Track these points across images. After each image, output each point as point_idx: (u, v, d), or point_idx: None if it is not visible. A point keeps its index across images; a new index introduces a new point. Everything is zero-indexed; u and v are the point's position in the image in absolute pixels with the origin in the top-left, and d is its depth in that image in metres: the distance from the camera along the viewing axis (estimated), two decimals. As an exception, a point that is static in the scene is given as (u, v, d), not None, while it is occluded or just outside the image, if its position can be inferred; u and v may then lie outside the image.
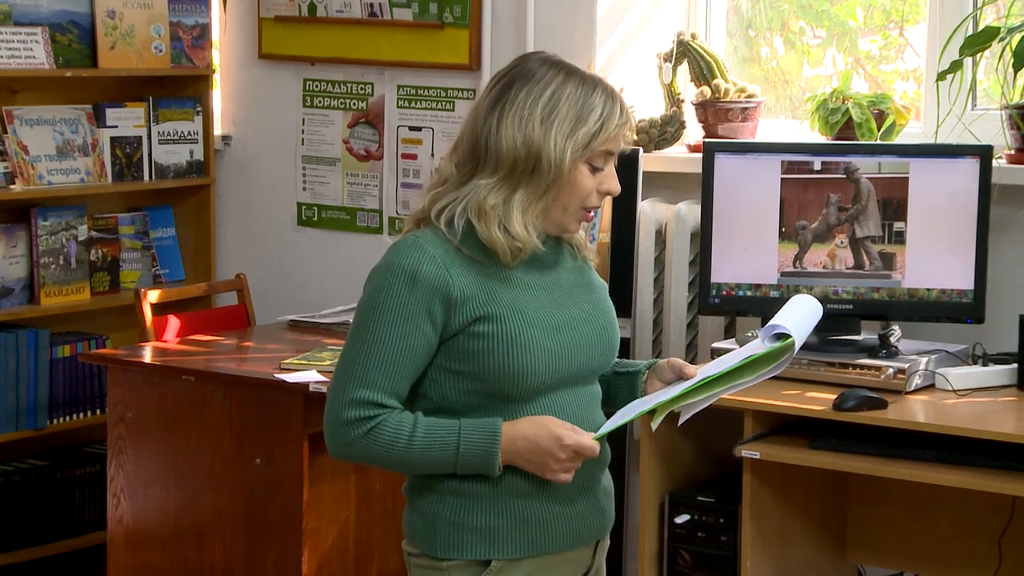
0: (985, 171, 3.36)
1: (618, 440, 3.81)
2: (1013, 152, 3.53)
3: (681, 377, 2.39)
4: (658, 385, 2.42)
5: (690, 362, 3.12)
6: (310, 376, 3.54)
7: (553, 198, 2.31)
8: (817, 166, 3.46)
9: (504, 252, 2.29)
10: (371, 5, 4.44)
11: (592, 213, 2.37)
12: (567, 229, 2.37)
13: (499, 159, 2.30)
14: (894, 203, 3.42)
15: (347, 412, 2.27)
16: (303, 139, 4.65)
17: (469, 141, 2.34)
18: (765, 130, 4.03)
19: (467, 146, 2.34)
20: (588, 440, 2.28)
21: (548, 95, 2.29)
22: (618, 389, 2.48)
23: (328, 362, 3.64)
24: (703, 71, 3.97)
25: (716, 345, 3.45)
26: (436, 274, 2.27)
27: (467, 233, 2.31)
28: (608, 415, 2.40)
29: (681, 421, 2.39)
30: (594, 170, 2.33)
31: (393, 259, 2.30)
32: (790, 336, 2.28)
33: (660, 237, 3.90)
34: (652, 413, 2.35)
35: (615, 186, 2.36)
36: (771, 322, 2.31)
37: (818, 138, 3.80)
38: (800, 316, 2.35)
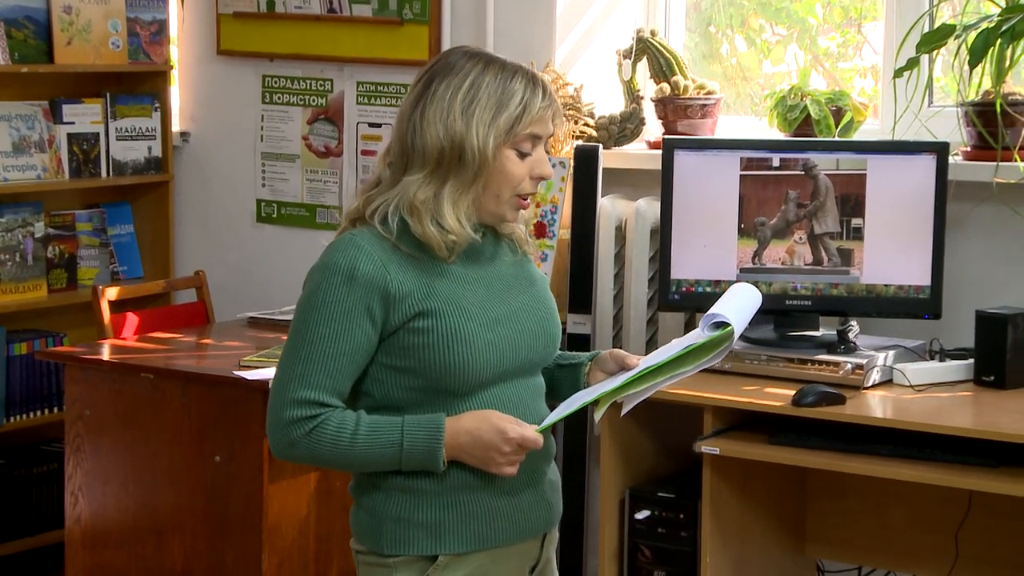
0: (942, 168, 3.38)
1: (578, 436, 3.81)
2: (969, 149, 3.56)
3: (623, 368, 2.40)
4: (601, 376, 2.43)
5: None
6: (270, 373, 3.52)
7: (483, 187, 2.31)
8: (776, 163, 3.47)
9: (439, 246, 2.30)
10: (330, 1, 4.42)
11: (527, 200, 2.37)
12: (504, 218, 2.37)
13: (425, 154, 2.30)
14: (852, 199, 3.44)
15: (289, 412, 2.27)
16: (262, 135, 4.63)
17: (398, 141, 2.35)
18: (724, 127, 4.04)
19: (397, 146, 2.35)
20: (531, 432, 2.28)
21: (467, 85, 2.30)
22: (561, 381, 2.48)
23: (288, 359, 3.63)
24: (662, 68, 3.98)
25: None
26: (374, 271, 2.27)
27: (402, 230, 2.31)
28: (552, 407, 2.40)
29: (624, 411, 2.40)
30: (522, 155, 2.33)
31: (330, 258, 2.30)
32: (729, 325, 2.29)
33: (620, 233, 3.91)
34: (595, 404, 2.36)
35: (547, 170, 2.36)
36: (710, 311, 2.32)
37: (777, 135, 3.81)
38: (739, 305, 2.36)
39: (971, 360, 3.32)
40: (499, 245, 2.42)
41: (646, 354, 2.44)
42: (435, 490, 2.31)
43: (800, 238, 3.47)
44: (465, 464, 2.30)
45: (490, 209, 2.34)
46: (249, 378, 3.51)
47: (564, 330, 3.13)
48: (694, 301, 3.52)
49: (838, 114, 3.73)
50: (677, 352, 2.32)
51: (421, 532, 2.32)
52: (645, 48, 3.99)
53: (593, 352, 2.49)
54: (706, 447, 3.15)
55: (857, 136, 3.76)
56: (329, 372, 2.27)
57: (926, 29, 3.52)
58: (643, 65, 4.02)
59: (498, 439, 2.27)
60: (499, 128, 2.29)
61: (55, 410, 4.46)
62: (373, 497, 2.35)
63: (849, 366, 3.25)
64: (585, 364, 2.47)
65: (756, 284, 3.44)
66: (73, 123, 4.53)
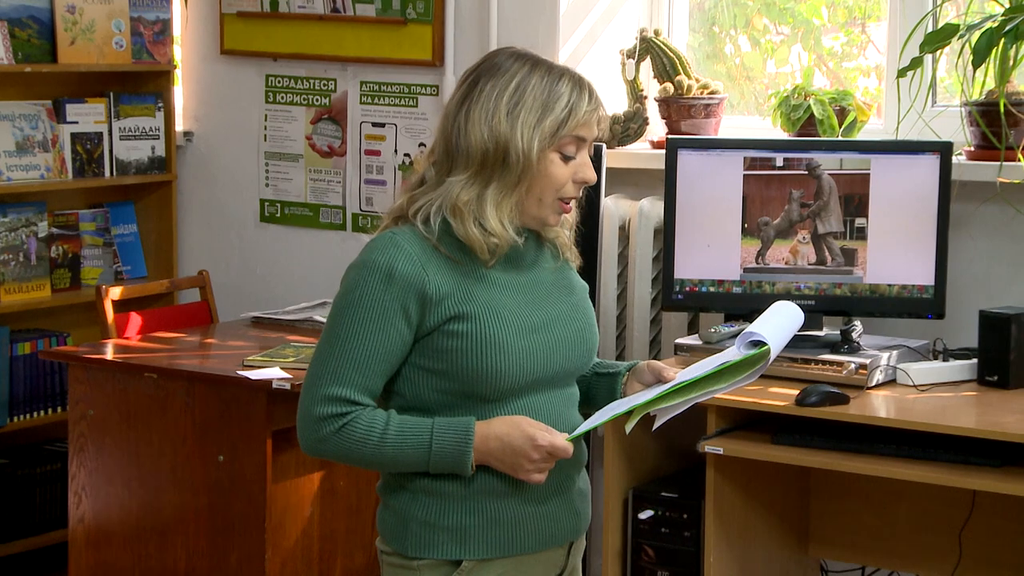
0: (945, 167, 3.38)
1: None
2: (973, 148, 3.56)
3: (660, 380, 2.39)
4: (637, 387, 2.42)
5: (654, 358, 3.11)
6: (273, 373, 3.53)
7: (527, 190, 2.30)
8: (779, 162, 3.47)
9: (481, 249, 2.29)
10: (333, 0, 4.42)
11: (570, 204, 2.36)
12: (546, 222, 2.35)
13: (469, 155, 2.29)
14: (855, 199, 3.44)
15: (320, 408, 2.26)
16: (266, 135, 4.63)
17: (442, 141, 2.34)
18: (728, 126, 4.04)
19: (441, 146, 2.34)
20: (562, 441, 2.27)
21: (513, 87, 2.29)
22: (598, 390, 2.47)
23: (291, 359, 3.64)
24: (666, 68, 3.98)
25: (679, 341, 3.46)
26: (412, 271, 2.26)
27: (444, 231, 2.30)
28: (586, 416, 2.39)
29: (656, 426, 2.39)
30: (566, 159, 2.31)
31: (369, 256, 2.29)
32: (766, 344, 2.29)
33: (623, 233, 3.91)
34: (628, 415, 2.35)
35: (591, 174, 2.34)
36: (748, 329, 2.31)
37: (780, 135, 3.81)
38: (778, 324, 2.35)
39: (975, 360, 3.32)
40: (541, 251, 2.41)
41: (651, 355, 2.44)
42: (461, 494, 2.30)
43: (804, 238, 3.46)
44: (493, 470, 2.29)
45: (532, 212, 2.33)
46: (253, 378, 3.51)
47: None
48: (698, 301, 3.52)
49: (842, 114, 3.73)
50: (713, 368, 2.31)
51: (446, 536, 2.31)
52: (649, 48, 3.99)
53: (631, 362, 2.48)
54: (709, 447, 3.15)
55: (861, 136, 3.76)
56: (362, 370, 2.26)
57: (930, 29, 3.52)
58: (647, 65, 4.02)
59: (528, 446, 2.26)
60: (544, 131, 2.28)
61: (59, 410, 4.46)
62: (400, 498, 2.34)
63: (853, 366, 3.25)
64: (622, 374, 2.45)
65: (760, 284, 3.47)
66: (77, 123, 4.54)
